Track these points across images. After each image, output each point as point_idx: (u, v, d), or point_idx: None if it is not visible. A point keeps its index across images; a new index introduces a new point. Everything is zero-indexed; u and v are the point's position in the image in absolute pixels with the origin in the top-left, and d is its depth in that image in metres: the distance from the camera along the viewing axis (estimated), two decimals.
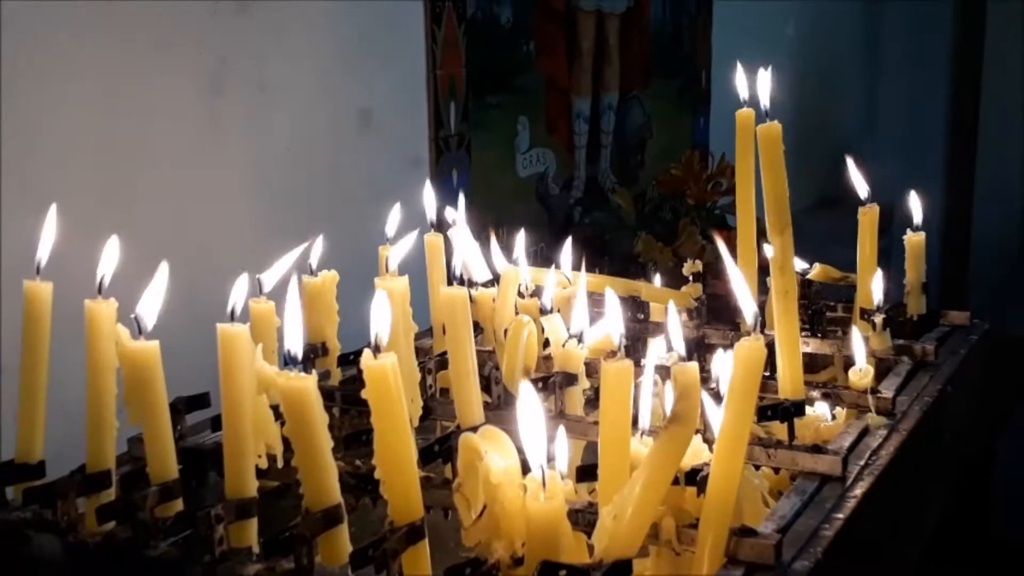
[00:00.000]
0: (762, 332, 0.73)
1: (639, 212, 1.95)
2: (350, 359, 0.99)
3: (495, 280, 1.07)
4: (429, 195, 1.11)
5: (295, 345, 0.65)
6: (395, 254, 0.91)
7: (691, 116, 2.32)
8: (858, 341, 0.92)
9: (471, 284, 1.04)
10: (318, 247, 0.97)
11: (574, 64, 1.94)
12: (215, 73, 1.26)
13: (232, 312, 0.70)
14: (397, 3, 1.53)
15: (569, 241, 1.15)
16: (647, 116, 2.17)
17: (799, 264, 1.15)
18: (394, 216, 1.06)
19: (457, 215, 1.10)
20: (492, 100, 1.74)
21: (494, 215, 1.75)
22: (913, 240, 1.11)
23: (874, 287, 1.03)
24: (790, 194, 0.94)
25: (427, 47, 1.57)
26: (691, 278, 1.21)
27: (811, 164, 2.89)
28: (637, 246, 1.82)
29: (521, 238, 1.11)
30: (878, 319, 1.02)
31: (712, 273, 1.55)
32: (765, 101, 0.89)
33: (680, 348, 0.79)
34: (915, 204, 1.14)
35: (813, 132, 2.89)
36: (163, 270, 0.73)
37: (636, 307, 1.17)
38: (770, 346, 0.83)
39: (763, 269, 1.07)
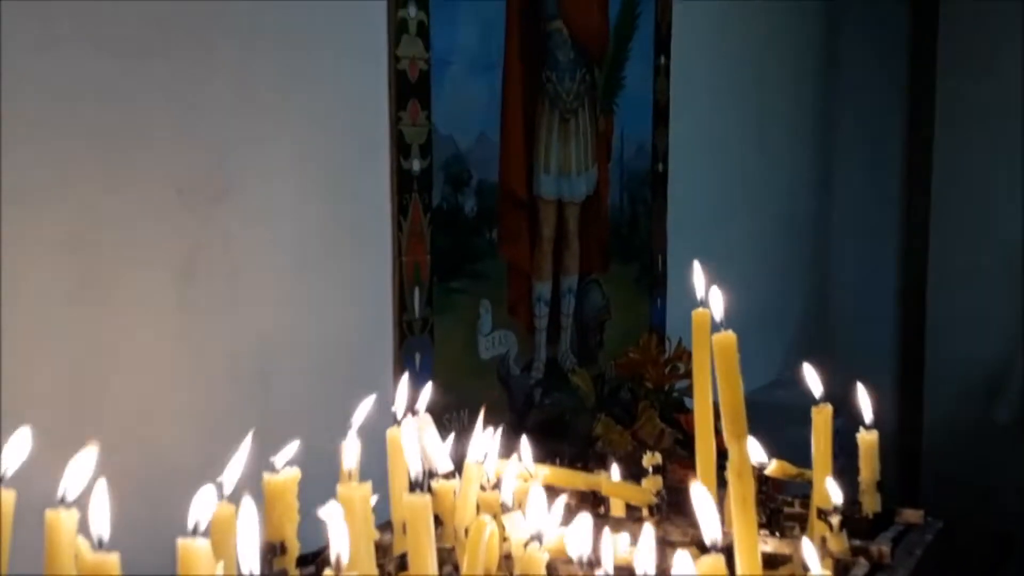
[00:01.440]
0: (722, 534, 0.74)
1: (599, 393, 1.97)
2: (309, 560, 0.98)
3: (457, 471, 1.08)
4: (401, 389, 1.12)
5: (251, 561, 0.65)
6: (348, 454, 0.92)
7: (648, 299, 2.39)
8: (811, 551, 0.93)
9: (432, 475, 1.05)
10: (291, 449, 0.98)
11: (535, 249, 2.00)
12: (187, 260, 1.29)
13: (195, 527, 0.70)
14: (367, 196, 1.58)
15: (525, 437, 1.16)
16: (606, 299, 2.23)
17: (757, 457, 1.17)
18: (363, 408, 1.08)
19: (420, 404, 1.11)
20: (456, 285, 1.78)
21: (456, 397, 1.76)
22: (866, 439, 1.14)
23: (830, 488, 1.05)
24: (747, 373, 0.98)
25: (393, 235, 1.62)
26: (651, 470, 1.22)
27: (769, 344, 2.97)
28: (597, 428, 1.84)
29: (485, 432, 1.12)
30: (834, 520, 1.04)
31: (673, 458, 1.56)
32: (719, 315, 0.93)
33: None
34: (864, 400, 1.18)
35: (770, 314, 2.98)
36: (101, 487, 0.72)
37: (596, 502, 1.18)
38: (729, 546, 0.84)
39: (721, 454, 1.09)
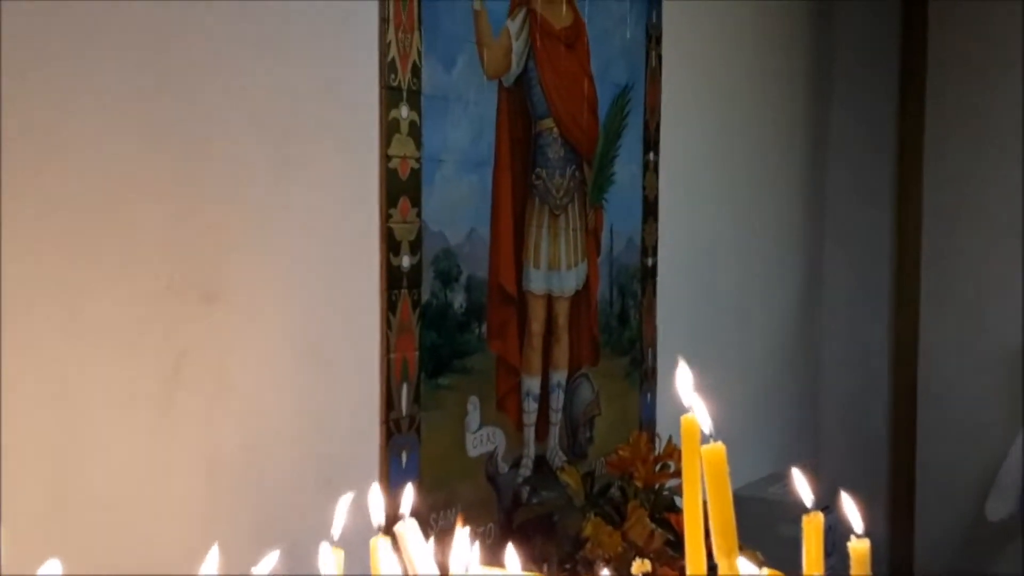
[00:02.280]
0: None
1: (588, 491, 1.95)
2: None
3: None
4: (376, 497, 1.10)
5: None
6: (326, 567, 0.90)
7: (638, 393, 2.38)
8: None
9: None
10: (271, 560, 0.96)
11: (525, 344, 1.99)
12: (175, 360, 1.28)
13: None
14: (356, 292, 1.58)
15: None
16: (595, 393, 2.22)
17: (748, 568, 1.15)
18: (340, 512, 1.06)
19: (405, 509, 1.09)
20: (444, 381, 1.77)
21: (443, 497, 1.74)
22: (858, 549, 1.12)
23: None
24: (740, 466, 0.96)
25: (382, 332, 1.62)
26: None
27: (761, 436, 2.94)
28: (586, 528, 1.81)
29: (467, 540, 1.09)
30: None
31: (663, 560, 1.53)
32: (708, 427, 0.92)
33: None
34: (852, 510, 1.16)
35: (761, 407, 2.96)
36: None
37: None
38: None
39: (712, 554, 1.07)
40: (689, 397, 1.00)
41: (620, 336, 2.32)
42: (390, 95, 1.62)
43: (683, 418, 1.06)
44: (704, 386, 1.07)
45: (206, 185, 1.32)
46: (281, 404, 1.44)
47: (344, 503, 1.05)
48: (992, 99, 3.24)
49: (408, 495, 1.12)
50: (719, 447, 0.92)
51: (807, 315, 3.39)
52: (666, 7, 2.39)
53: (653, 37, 2.36)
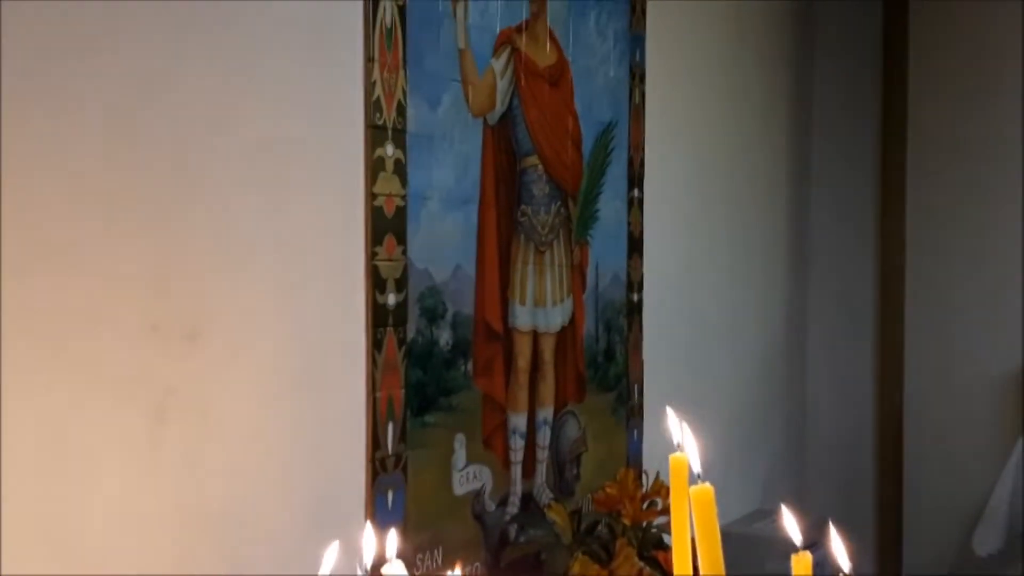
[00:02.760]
0: None
1: (575, 529, 1.94)
2: None
3: None
4: (369, 539, 1.09)
5: None
6: None
7: (625, 429, 2.37)
8: None
9: None
10: None
11: (511, 381, 1.99)
12: (160, 400, 1.27)
13: None
14: (342, 331, 1.58)
15: None
16: (582, 430, 2.21)
17: None
18: (329, 558, 1.05)
19: (390, 551, 1.08)
20: (430, 419, 1.77)
21: (429, 536, 1.73)
22: None
23: None
24: (726, 501, 0.96)
25: (368, 371, 1.61)
26: None
27: (749, 472, 2.94)
28: (573, 567, 1.80)
29: None
30: None
31: None
32: (696, 468, 0.92)
33: None
34: (839, 547, 1.16)
35: (749, 442, 2.96)
36: None
37: None
38: None
39: None
40: (678, 437, 1.00)
41: (606, 372, 2.31)
42: (375, 134, 1.62)
43: (671, 457, 1.06)
44: (691, 422, 1.07)
45: (190, 224, 1.32)
46: (266, 443, 1.43)
47: (332, 552, 1.04)
48: (975, 128, 3.27)
49: (392, 538, 1.11)
50: (707, 488, 0.91)
51: (792, 348, 3.40)
52: (649, 46, 2.41)
53: (636, 75, 2.38)
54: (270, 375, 1.44)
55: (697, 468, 0.92)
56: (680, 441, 1.05)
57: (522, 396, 2.02)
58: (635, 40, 2.37)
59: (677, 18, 2.57)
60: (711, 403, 2.76)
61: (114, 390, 1.22)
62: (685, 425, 1.05)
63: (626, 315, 2.39)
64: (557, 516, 1.93)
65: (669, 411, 1.09)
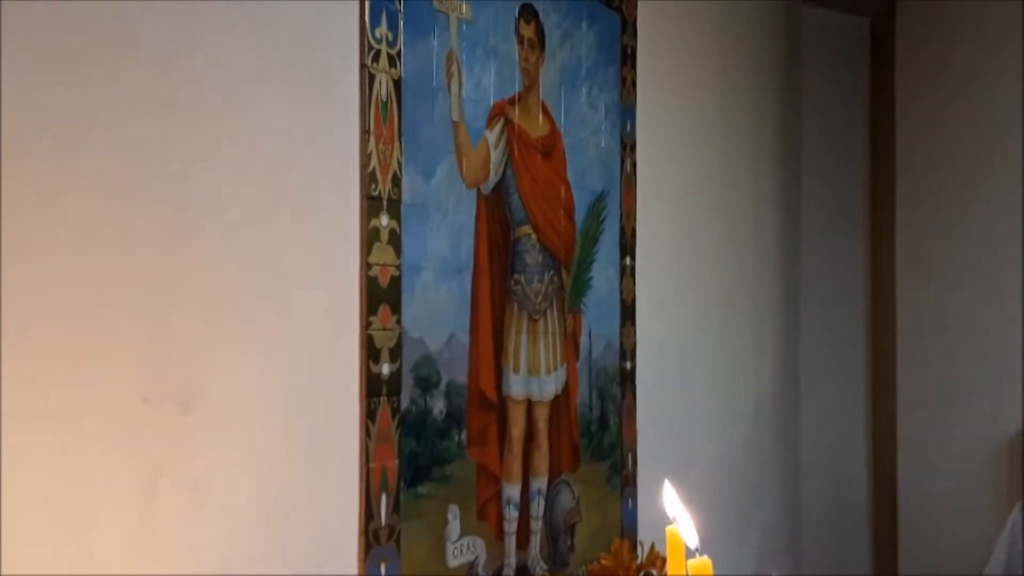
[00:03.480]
0: None
1: None
2: None
3: None
4: None
5: None
6: None
7: (619, 499, 2.35)
8: None
9: None
10: None
11: (505, 451, 1.98)
12: (151, 474, 1.26)
13: None
14: (335, 401, 1.57)
15: None
16: (576, 499, 2.19)
17: None
18: None
19: None
20: (423, 490, 1.75)
21: None
22: None
23: None
24: (722, 568, 0.95)
25: (361, 441, 1.60)
26: None
27: (743, 539, 2.91)
28: None
29: None
30: None
31: None
32: (693, 543, 0.91)
33: None
34: None
35: (743, 510, 2.94)
36: None
37: None
38: None
39: None
40: (675, 511, 1.00)
41: (600, 441, 2.30)
42: (371, 204, 1.64)
43: (668, 530, 1.06)
44: (686, 489, 1.07)
45: (184, 295, 1.32)
46: (258, 515, 1.42)
47: None
48: (968, 187, 3.31)
49: None
50: (706, 562, 0.91)
51: (786, 414, 3.40)
52: (639, 116, 2.45)
53: (627, 145, 2.41)
54: (263, 446, 1.43)
55: (694, 543, 0.92)
56: (676, 516, 1.04)
57: (516, 466, 2.01)
58: (625, 111, 2.40)
59: (666, 89, 2.61)
60: (706, 469, 2.75)
61: (106, 462, 1.21)
62: (680, 499, 1.05)
63: (619, 383, 2.39)
64: None
65: (666, 484, 1.08)
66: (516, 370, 2.02)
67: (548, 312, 2.13)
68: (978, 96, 3.25)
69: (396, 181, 1.69)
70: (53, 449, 1.15)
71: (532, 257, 2.08)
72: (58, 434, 1.16)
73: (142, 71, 1.27)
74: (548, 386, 2.12)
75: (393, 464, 1.67)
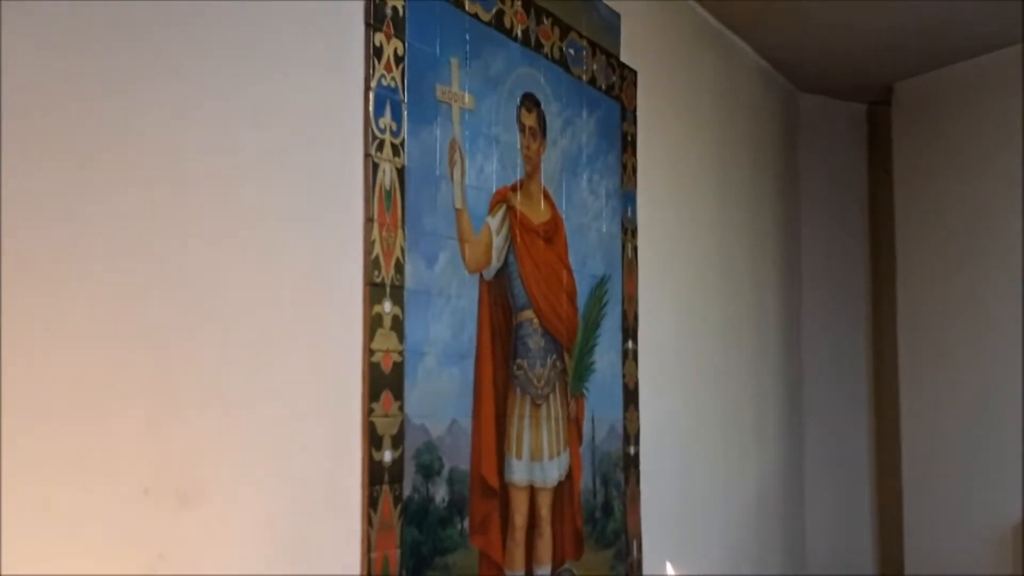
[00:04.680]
0: None
1: None
2: None
3: None
4: None
5: None
6: None
7: None
8: None
9: None
10: None
11: (507, 539, 1.95)
12: (151, 566, 1.24)
13: None
14: (337, 490, 1.56)
15: None
16: None
17: None
18: None
19: None
20: None
21: None
22: None
23: None
24: None
25: (363, 530, 1.58)
26: None
27: None
28: None
29: None
30: None
31: None
32: None
33: None
34: None
35: None
36: None
37: None
38: None
39: None
40: None
41: (604, 527, 2.27)
42: (374, 291, 1.64)
43: None
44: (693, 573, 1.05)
45: (184, 385, 1.31)
46: None
47: None
48: (968, 279, 3.32)
49: None
50: None
51: (790, 499, 3.35)
52: (640, 202, 2.48)
53: (628, 230, 2.43)
54: (264, 537, 1.41)
55: None
56: None
57: (519, 554, 1.98)
58: (626, 197, 2.43)
59: (666, 175, 2.65)
60: (709, 557, 2.71)
61: (104, 554, 1.19)
62: None
63: (623, 468, 2.37)
64: None
65: (669, 568, 1.07)
66: (519, 456, 2.00)
67: (551, 397, 2.12)
68: (974, 179, 3.29)
69: (399, 267, 1.70)
70: (54, 539, 1.13)
71: (534, 341, 2.08)
72: (59, 525, 1.14)
73: (147, 163, 1.28)
74: (551, 472, 2.10)
75: (395, 554, 1.65)
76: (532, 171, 2.09)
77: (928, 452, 3.32)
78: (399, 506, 1.67)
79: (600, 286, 2.32)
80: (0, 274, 1.10)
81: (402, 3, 1.73)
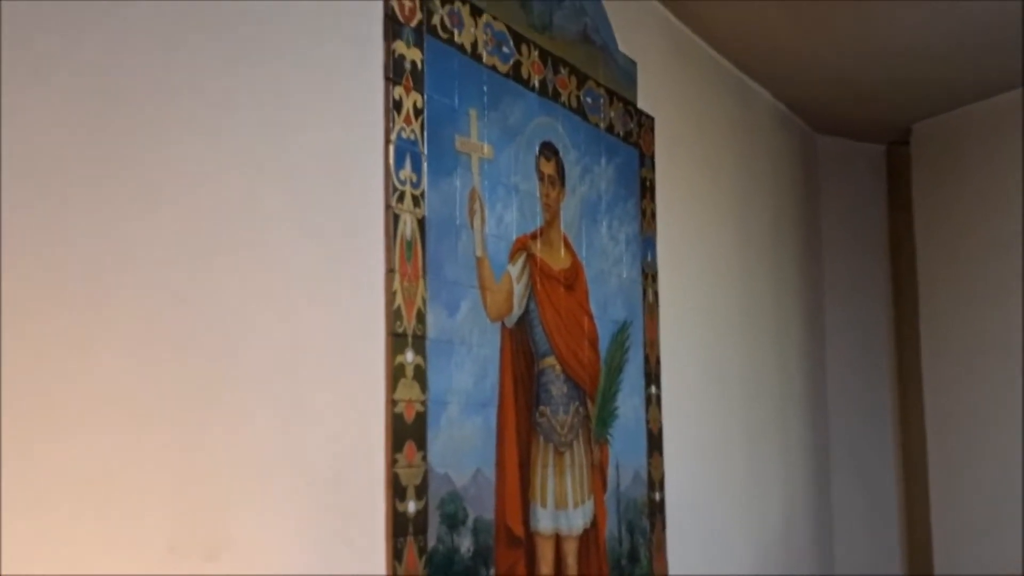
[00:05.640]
0: None
1: None
2: None
3: None
4: None
5: None
6: None
7: None
8: None
9: None
10: None
11: None
12: None
13: None
14: (361, 543, 1.55)
15: None
16: None
17: None
18: None
19: None
20: None
21: None
22: None
23: None
24: None
25: None
26: None
27: None
28: None
29: None
30: None
31: None
32: None
33: None
34: None
35: None
36: None
37: None
38: None
39: None
40: None
41: (631, 575, 2.25)
42: (396, 341, 1.65)
43: None
44: None
45: (210, 441, 1.32)
46: None
47: None
48: (988, 323, 3.29)
49: None
50: None
51: (819, 545, 3.31)
52: (660, 246, 2.48)
53: (649, 275, 2.44)
54: None
55: None
56: None
57: None
58: (646, 242, 2.44)
59: (685, 220, 2.65)
60: None
61: None
62: None
63: (648, 515, 2.35)
64: None
65: None
66: (544, 505, 1.99)
67: (574, 444, 2.11)
68: (995, 217, 3.27)
69: (421, 317, 1.71)
70: None
71: (557, 388, 2.08)
72: None
73: (169, 224, 1.30)
74: (576, 520, 2.08)
75: None
76: (551, 219, 2.10)
77: (956, 488, 3.27)
78: (424, 557, 1.66)
79: (622, 331, 2.31)
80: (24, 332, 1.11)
81: (420, 57, 1.76)
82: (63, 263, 1.16)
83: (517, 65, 2.02)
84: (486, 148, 1.92)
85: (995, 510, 3.19)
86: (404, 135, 1.71)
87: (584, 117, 2.24)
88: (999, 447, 3.21)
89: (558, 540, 2.03)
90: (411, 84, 1.73)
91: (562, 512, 2.04)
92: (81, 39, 1.20)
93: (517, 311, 1.98)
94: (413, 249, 1.71)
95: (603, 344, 2.25)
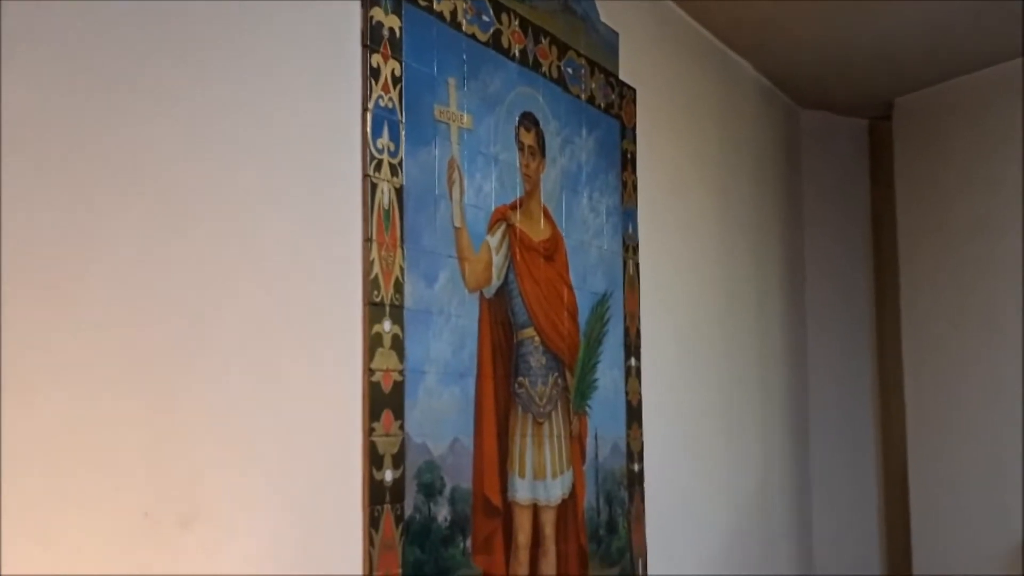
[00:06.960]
0: None
1: None
2: None
3: None
4: None
5: None
6: None
7: None
8: None
9: None
10: None
11: (511, 558, 1.94)
12: None
13: None
14: (337, 510, 1.56)
15: None
16: None
17: None
18: None
19: None
20: None
21: None
22: None
23: None
24: None
25: (364, 551, 1.58)
26: None
27: None
28: None
29: None
30: None
31: None
32: None
33: None
34: None
35: None
36: None
37: None
38: None
39: None
40: None
41: (609, 546, 2.26)
42: (373, 311, 1.65)
43: None
44: None
45: (184, 405, 1.32)
46: None
47: None
48: (968, 295, 3.31)
49: None
50: None
51: (798, 519, 3.33)
52: (640, 218, 2.48)
53: (629, 246, 2.44)
54: (265, 559, 1.41)
55: None
56: None
57: (523, 574, 1.97)
58: (627, 214, 2.44)
59: (667, 191, 2.65)
60: (714, 571, 2.69)
61: None
62: None
63: (627, 485, 2.36)
64: None
65: None
66: (521, 475, 2.00)
67: (553, 415, 2.12)
68: (976, 192, 3.28)
69: (399, 287, 1.71)
70: (54, 564, 1.13)
71: (536, 359, 2.08)
72: (59, 550, 1.14)
73: (146, 186, 1.29)
74: (554, 490, 2.09)
75: (397, 574, 1.64)
76: (531, 189, 2.10)
77: (935, 468, 3.30)
78: (401, 526, 1.67)
79: (601, 303, 2.32)
80: (1, 299, 1.11)
81: (399, 24, 1.74)
82: (37, 232, 1.15)
83: (497, 34, 2.01)
84: (465, 117, 1.91)
85: (972, 459, 3.22)
86: (382, 103, 1.69)
87: (565, 88, 2.23)
88: (975, 413, 3.23)
89: (536, 510, 2.03)
90: (389, 52, 1.72)
91: (540, 482, 2.05)
92: (50, 15, 1.18)
93: (496, 282, 1.98)
94: (391, 218, 1.70)
95: (583, 316, 2.25)
